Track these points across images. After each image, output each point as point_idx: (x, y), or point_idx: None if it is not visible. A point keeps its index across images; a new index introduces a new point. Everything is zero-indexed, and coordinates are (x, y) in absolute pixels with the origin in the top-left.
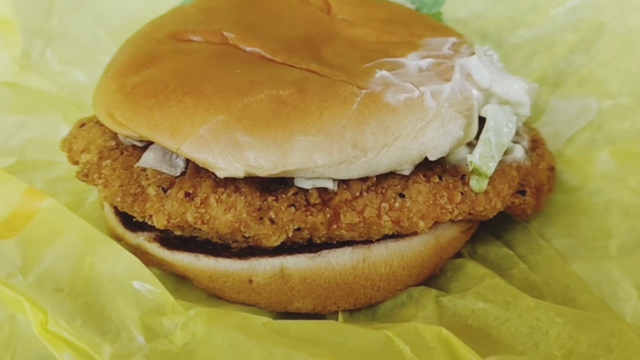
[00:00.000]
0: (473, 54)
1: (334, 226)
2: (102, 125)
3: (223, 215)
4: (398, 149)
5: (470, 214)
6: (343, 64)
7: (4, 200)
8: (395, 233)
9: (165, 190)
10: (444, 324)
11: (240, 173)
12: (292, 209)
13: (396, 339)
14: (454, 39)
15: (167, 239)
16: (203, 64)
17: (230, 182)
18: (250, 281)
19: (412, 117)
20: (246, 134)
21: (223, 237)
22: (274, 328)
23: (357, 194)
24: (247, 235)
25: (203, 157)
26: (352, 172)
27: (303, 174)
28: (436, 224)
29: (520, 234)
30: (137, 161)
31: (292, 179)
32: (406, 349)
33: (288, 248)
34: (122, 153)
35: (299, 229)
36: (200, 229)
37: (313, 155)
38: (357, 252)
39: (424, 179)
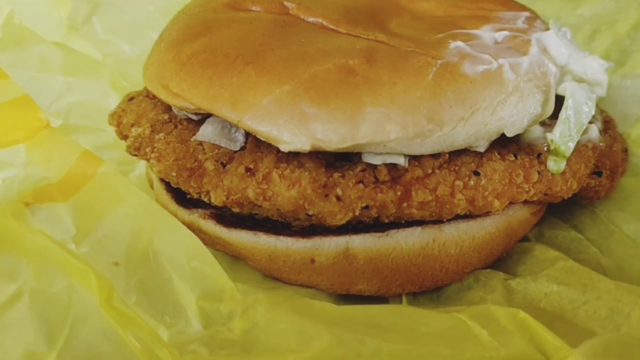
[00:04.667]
0: (548, 29)
1: (405, 205)
2: (152, 98)
3: (287, 191)
4: (475, 123)
5: (545, 194)
6: (412, 35)
7: (59, 161)
8: (467, 213)
9: (224, 165)
10: (514, 307)
11: (306, 147)
12: (361, 185)
13: (471, 323)
14: (526, 13)
15: (224, 216)
16: (264, 32)
17: (293, 158)
18: (313, 261)
19: (490, 89)
20: (313, 105)
21: (284, 215)
22: (340, 313)
23: (429, 171)
24: (310, 213)
25: (267, 130)
26: (426, 147)
27: (373, 148)
28: (509, 204)
29: (588, 218)
30: (193, 135)
31: (358, 154)
32: (483, 332)
33: (353, 227)
34: (176, 127)
35: (366, 207)
36: (260, 206)
37: (385, 128)
38: (427, 232)
39: (498, 156)
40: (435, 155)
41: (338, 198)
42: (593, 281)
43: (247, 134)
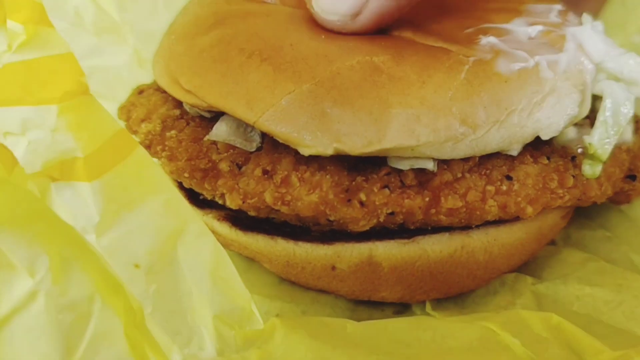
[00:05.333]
0: (581, 23)
1: (433, 211)
2: (163, 92)
3: (307, 195)
4: (511, 126)
5: (579, 199)
6: (439, 30)
7: (91, 134)
8: (498, 219)
9: (239, 167)
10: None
11: (328, 151)
12: (386, 190)
13: (501, 332)
14: (558, 6)
15: (240, 218)
16: (282, 26)
17: (313, 160)
18: (334, 268)
19: (527, 89)
20: (336, 105)
21: (303, 220)
22: (360, 331)
23: (459, 175)
24: (332, 218)
25: (286, 132)
26: (458, 151)
27: (401, 152)
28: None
29: (616, 216)
30: (206, 133)
31: (384, 157)
32: (515, 342)
33: (376, 232)
34: (188, 123)
35: (392, 214)
36: (277, 211)
37: (414, 131)
38: (455, 239)
39: (531, 159)
40: (465, 159)
41: (362, 203)
42: (628, 280)
43: (264, 134)
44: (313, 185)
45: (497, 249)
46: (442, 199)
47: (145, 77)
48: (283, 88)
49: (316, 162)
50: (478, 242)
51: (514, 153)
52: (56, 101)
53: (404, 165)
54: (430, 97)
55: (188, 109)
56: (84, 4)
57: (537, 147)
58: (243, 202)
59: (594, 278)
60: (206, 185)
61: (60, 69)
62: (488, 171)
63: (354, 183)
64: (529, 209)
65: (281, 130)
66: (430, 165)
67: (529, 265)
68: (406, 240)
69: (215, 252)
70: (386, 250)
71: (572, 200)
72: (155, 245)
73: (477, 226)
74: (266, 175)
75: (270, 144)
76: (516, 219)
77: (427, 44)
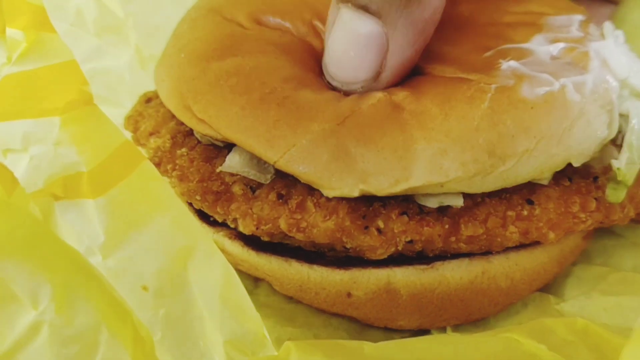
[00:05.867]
0: (602, 34)
1: (452, 239)
2: None
3: (323, 222)
4: (541, 155)
5: (601, 222)
6: (455, 56)
7: (95, 146)
8: (518, 244)
9: (253, 190)
10: None
11: (354, 193)
12: (405, 217)
13: (526, 341)
14: (579, 17)
15: (252, 238)
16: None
17: None
18: (349, 295)
19: (555, 114)
20: (359, 145)
21: (318, 246)
22: (379, 353)
23: (479, 199)
24: (349, 246)
25: (308, 172)
26: (487, 184)
27: (430, 190)
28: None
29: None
30: (218, 152)
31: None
32: (541, 348)
33: (394, 259)
34: (199, 141)
35: (410, 242)
36: (292, 237)
37: (442, 167)
38: (476, 265)
39: (552, 181)
40: None
41: (379, 231)
42: None
43: None
44: (329, 211)
45: (519, 274)
46: (463, 226)
47: (146, 79)
48: (305, 127)
49: None
50: (499, 267)
51: (545, 182)
52: (59, 112)
53: (433, 203)
54: (455, 129)
55: (199, 137)
56: (87, 3)
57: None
58: (257, 228)
59: (618, 288)
60: (218, 210)
61: (62, 78)
62: (508, 195)
63: (371, 209)
64: (551, 235)
65: (304, 171)
66: (459, 202)
67: (549, 284)
68: (425, 266)
69: (225, 273)
70: (404, 277)
71: (594, 224)
72: (164, 266)
73: (498, 251)
74: (281, 200)
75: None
76: (537, 242)
77: (445, 76)
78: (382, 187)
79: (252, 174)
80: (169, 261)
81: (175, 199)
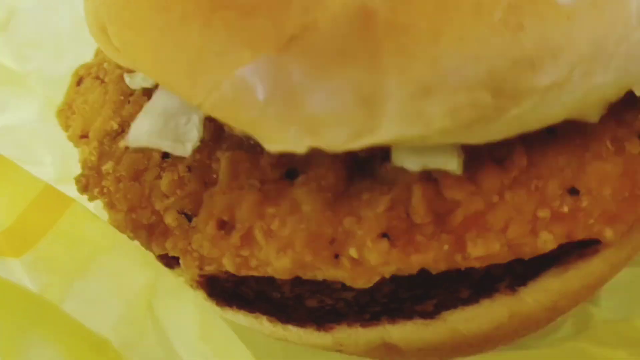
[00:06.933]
0: None
1: (458, 257)
2: (103, 80)
3: (277, 259)
4: (579, 87)
5: None
6: None
7: (7, 202)
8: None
9: (189, 218)
10: None
11: (299, 148)
12: (385, 242)
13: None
14: None
15: (218, 287)
16: None
17: (284, 190)
18: (340, 350)
19: (602, 21)
20: (308, 79)
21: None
22: None
23: (495, 198)
24: (319, 278)
25: (241, 118)
26: (493, 132)
27: (407, 145)
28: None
29: None
30: (148, 160)
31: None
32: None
33: (388, 309)
34: (127, 147)
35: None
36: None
37: (423, 112)
38: (499, 307)
39: (611, 146)
40: (504, 164)
41: (354, 261)
42: None
43: (206, 126)
44: (283, 243)
45: (563, 301)
46: (469, 243)
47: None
48: (237, 56)
49: (288, 191)
50: (533, 304)
51: (594, 119)
52: None
53: (414, 165)
54: (447, 56)
55: (128, 82)
56: None
57: (620, 118)
58: (200, 269)
59: None
60: (154, 248)
61: None
62: (541, 182)
63: (340, 229)
64: (608, 232)
65: (235, 117)
66: (453, 165)
67: None
68: (429, 321)
69: (200, 307)
70: (403, 336)
71: None
72: (123, 312)
73: (534, 277)
74: (223, 231)
75: (214, 144)
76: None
77: None
78: (338, 141)
79: (166, 145)
80: (128, 305)
81: (117, 234)
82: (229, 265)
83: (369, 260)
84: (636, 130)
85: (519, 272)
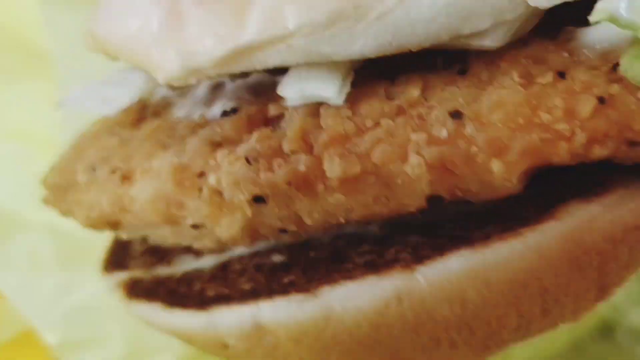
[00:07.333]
0: None
1: (320, 187)
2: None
3: (142, 193)
4: None
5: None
6: None
7: None
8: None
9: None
10: None
11: (175, 72)
12: (243, 164)
13: None
14: None
15: (139, 283)
16: None
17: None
18: (226, 346)
19: None
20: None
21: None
22: None
23: (368, 122)
24: (192, 222)
25: (133, 51)
26: (361, 43)
27: (270, 55)
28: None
29: None
30: None
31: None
32: None
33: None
34: None
35: (260, 199)
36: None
37: (281, 13)
38: (386, 285)
39: (518, 78)
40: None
41: (216, 192)
42: None
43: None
44: (152, 176)
45: (473, 293)
46: (326, 163)
47: None
48: None
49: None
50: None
51: (490, 42)
52: None
53: (293, 93)
54: None
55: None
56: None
57: (541, 57)
58: (87, 218)
59: None
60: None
61: None
62: (425, 110)
63: (213, 156)
64: (496, 165)
65: (124, 46)
66: (330, 91)
67: None
68: (304, 295)
69: None
70: (275, 315)
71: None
72: None
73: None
74: (114, 174)
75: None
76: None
77: None
78: (207, 54)
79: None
80: None
81: None
82: (106, 205)
83: (223, 186)
84: (553, 67)
85: (419, 246)
